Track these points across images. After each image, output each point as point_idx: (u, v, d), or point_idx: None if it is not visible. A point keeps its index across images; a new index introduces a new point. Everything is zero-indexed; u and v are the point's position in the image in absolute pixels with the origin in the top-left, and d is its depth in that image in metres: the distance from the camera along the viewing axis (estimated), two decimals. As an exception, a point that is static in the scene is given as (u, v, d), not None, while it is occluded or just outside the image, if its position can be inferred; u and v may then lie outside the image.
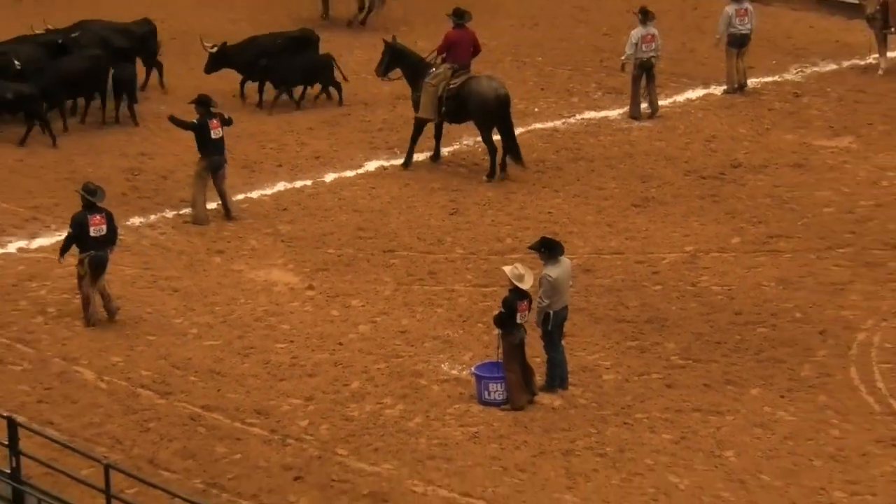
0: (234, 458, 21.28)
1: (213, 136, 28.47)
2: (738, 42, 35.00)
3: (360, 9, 40.39)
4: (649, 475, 20.95)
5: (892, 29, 36.70)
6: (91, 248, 24.68)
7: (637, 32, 33.52)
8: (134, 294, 25.94)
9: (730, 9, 34.83)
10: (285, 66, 34.21)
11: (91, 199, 24.83)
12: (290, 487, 20.63)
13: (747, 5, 35.30)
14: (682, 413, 22.46)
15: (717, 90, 35.14)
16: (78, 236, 24.74)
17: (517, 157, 30.63)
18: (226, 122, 28.78)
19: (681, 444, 21.71)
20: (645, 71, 33.62)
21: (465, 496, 20.47)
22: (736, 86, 35.13)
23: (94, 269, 24.71)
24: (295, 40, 35.48)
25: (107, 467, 18.26)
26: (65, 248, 24.98)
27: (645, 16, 33.73)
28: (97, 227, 24.69)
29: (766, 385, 23.22)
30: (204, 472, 20.92)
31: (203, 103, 28.87)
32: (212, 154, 28.50)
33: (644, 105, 33.90)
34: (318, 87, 34.78)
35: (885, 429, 22.08)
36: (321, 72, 34.57)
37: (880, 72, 36.58)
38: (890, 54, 36.72)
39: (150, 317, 25.24)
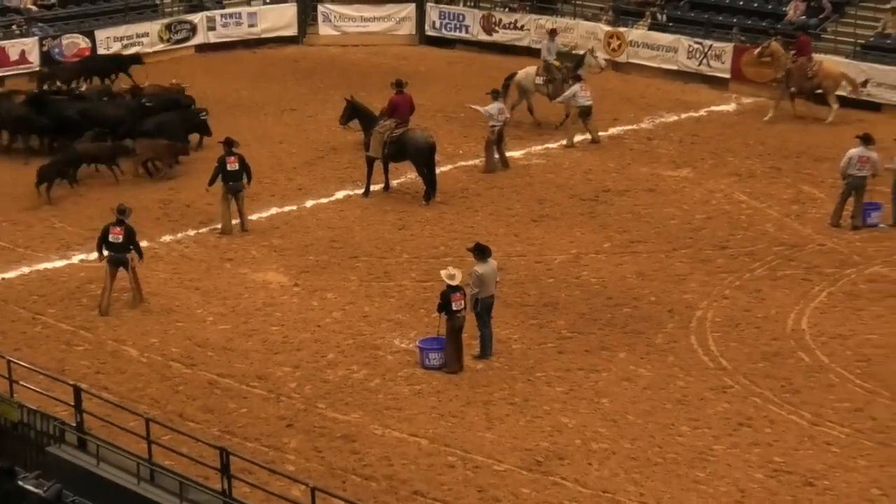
0: (242, 412, 21.15)
1: (229, 168, 28.23)
2: (586, 111, 34.62)
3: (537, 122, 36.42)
4: (547, 417, 20.93)
5: (793, 89, 36.70)
6: (111, 250, 24.76)
7: (493, 106, 32.88)
8: (166, 291, 25.72)
9: (577, 87, 34.29)
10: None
11: (119, 216, 24.85)
12: (284, 432, 20.51)
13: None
14: (570, 371, 22.43)
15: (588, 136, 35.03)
16: (103, 240, 24.81)
17: (433, 191, 30.41)
18: (241, 158, 28.44)
19: (569, 394, 21.68)
20: (498, 135, 33.05)
21: (413, 436, 20.39)
22: (590, 141, 34.55)
23: (112, 266, 24.73)
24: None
25: (147, 420, 18.14)
26: (98, 249, 25.02)
27: (496, 94, 33.34)
28: (115, 236, 24.71)
29: (630, 350, 23.20)
30: (220, 422, 20.81)
31: (227, 143, 28.72)
32: (228, 182, 28.27)
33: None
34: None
35: (716, 380, 22.13)
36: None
37: (766, 118, 36.55)
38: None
39: (178, 308, 25.03)
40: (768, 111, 36.79)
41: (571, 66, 35.88)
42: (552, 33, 37.41)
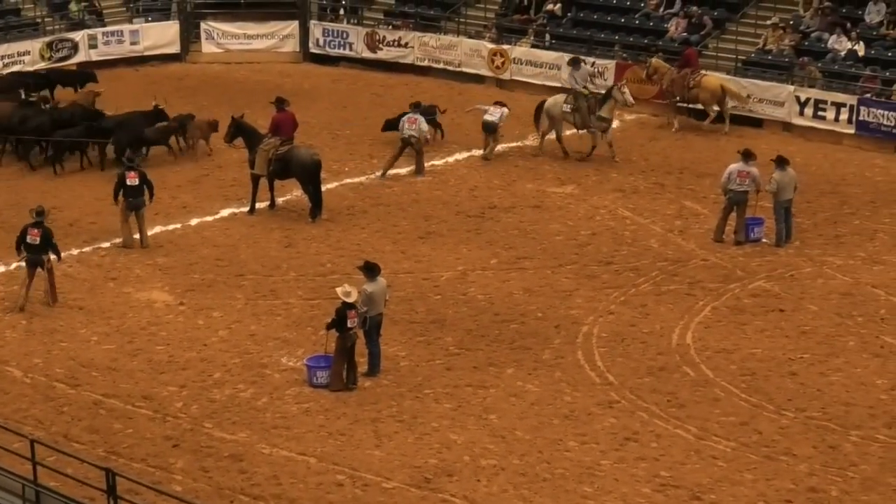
0: (128, 432, 20.94)
1: (129, 183, 28.10)
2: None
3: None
4: (435, 434, 20.97)
5: (678, 98, 37.33)
6: (28, 251, 25.16)
7: (406, 116, 33.17)
8: (50, 311, 25.39)
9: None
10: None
11: (36, 217, 25.26)
12: (170, 453, 20.34)
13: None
14: (458, 388, 22.49)
15: (477, 153, 35.09)
16: (21, 241, 25.23)
17: (319, 209, 30.40)
18: (142, 174, 28.41)
19: (458, 411, 21.74)
20: (408, 146, 33.12)
21: (301, 455, 20.34)
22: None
23: (30, 266, 25.14)
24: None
25: (32, 442, 17.81)
26: (17, 248, 25.42)
27: (414, 106, 33.38)
28: (33, 238, 25.18)
29: (517, 366, 23.32)
30: (105, 443, 20.58)
31: (128, 159, 28.80)
32: (128, 197, 28.17)
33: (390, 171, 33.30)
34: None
35: (603, 395, 22.31)
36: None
37: (674, 129, 37.18)
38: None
39: (62, 328, 24.73)
40: (673, 124, 37.31)
41: (599, 97, 35.12)
42: (575, 62, 36.27)
